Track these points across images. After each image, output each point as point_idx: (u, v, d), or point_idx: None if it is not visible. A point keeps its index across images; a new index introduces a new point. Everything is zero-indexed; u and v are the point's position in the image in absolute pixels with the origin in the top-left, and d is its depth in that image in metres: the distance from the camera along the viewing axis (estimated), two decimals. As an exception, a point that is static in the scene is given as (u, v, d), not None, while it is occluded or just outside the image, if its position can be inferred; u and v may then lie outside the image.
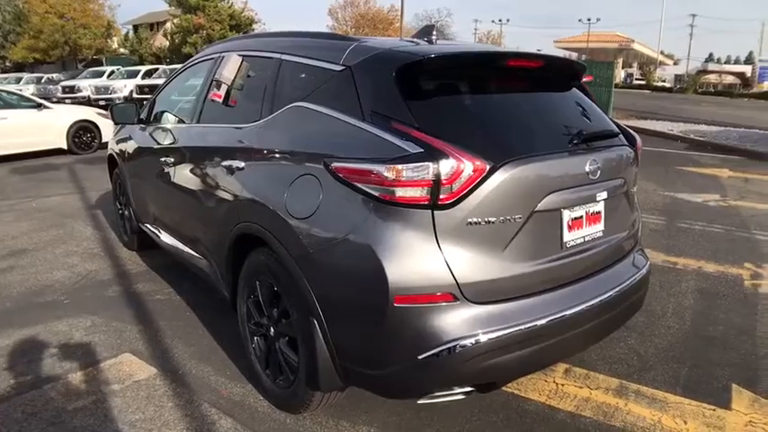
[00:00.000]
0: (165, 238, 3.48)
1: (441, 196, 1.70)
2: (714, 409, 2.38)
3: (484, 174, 1.73)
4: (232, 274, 2.51)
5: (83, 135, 9.53)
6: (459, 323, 1.74)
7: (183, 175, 2.95)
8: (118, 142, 4.23)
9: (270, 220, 2.07)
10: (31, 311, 3.33)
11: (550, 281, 1.94)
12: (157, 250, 4.15)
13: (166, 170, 3.17)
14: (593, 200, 2.05)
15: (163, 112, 3.57)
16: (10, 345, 2.91)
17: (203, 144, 2.79)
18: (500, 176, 1.75)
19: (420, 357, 1.73)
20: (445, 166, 1.69)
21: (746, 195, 6.51)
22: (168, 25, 30.69)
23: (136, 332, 3.06)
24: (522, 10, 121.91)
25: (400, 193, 1.71)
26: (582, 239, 2.04)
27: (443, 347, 1.72)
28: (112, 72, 21.52)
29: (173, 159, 3.09)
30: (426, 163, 1.69)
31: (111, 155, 4.47)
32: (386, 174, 1.71)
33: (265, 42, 2.69)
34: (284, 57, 2.38)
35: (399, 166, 1.70)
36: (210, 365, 2.69)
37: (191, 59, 3.51)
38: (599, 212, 2.09)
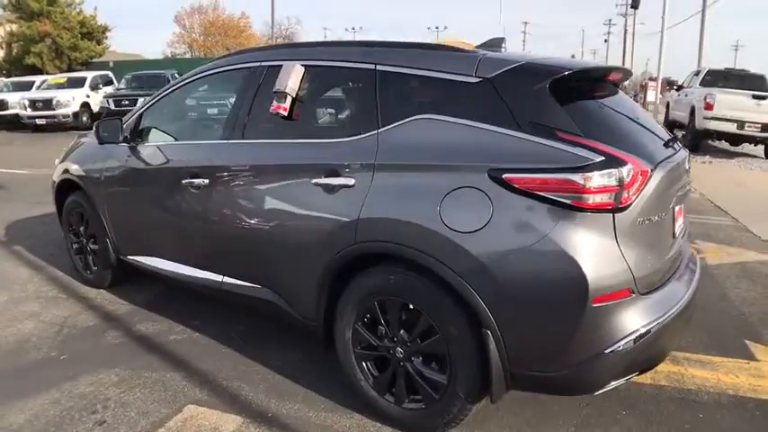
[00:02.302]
0: (175, 268, 3.08)
1: (621, 199, 1.83)
2: (748, 362, 2.86)
3: (648, 177, 1.90)
4: (327, 300, 2.36)
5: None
6: (636, 315, 1.89)
7: (232, 198, 2.64)
8: (82, 164, 3.61)
9: (418, 236, 1.98)
10: (29, 375, 2.72)
11: (670, 270, 2.18)
12: (132, 284, 3.73)
13: (194, 192, 2.81)
14: (683, 196, 2.35)
15: (165, 128, 3.16)
16: (32, 420, 2.36)
17: (267, 162, 2.53)
18: (655, 179, 1.94)
19: (606, 351, 1.85)
20: (625, 172, 1.82)
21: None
22: (0, 31, 26.24)
23: (181, 380, 2.67)
24: (373, 18, 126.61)
25: (591, 199, 1.80)
26: (680, 231, 2.33)
27: (627, 338, 1.85)
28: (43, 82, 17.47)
29: (206, 181, 2.75)
30: (612, 170, 1.80)
31: (65, 180, 3.79)
32: (580, 182, 1.79)
33: (341, 52, 2.54)
34: (381, 67, 2.28)
35: (590, 174, 1.78)
36: (298, 401, 2.47)
37: (198, 71, 3.12)
38: (681, 207, 2.40)
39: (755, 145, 11.34)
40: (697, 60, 21.29)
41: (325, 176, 2.29)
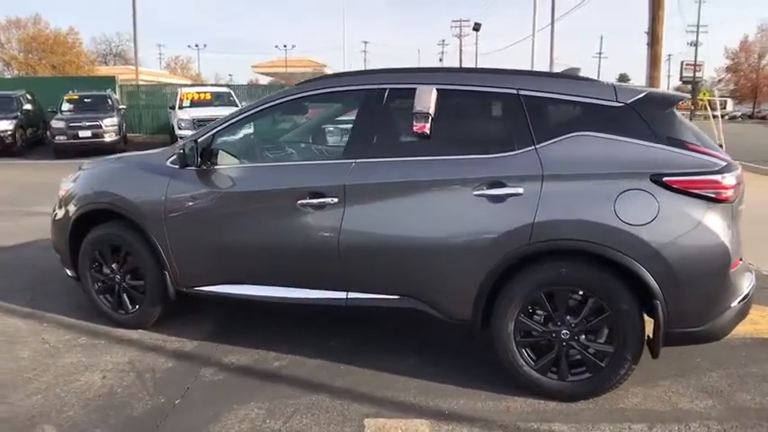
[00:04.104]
0: (271, 292, 3.00)
1: (737, 193, 2.46)
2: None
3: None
4: (486, 299, 2.62)
5: None
6: (745, 278, 2.55)
7: (373, 214, 2.72)
8: (130, 191, 3.22)
9: (602, 232, 2.38)
10: (165, 426, 2.45)
11: None
12: (174, 320, 3.47)
13: (315, 212, 2.80)
14: None
15: (251, 150, 3.05)
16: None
17: (416, 178, 2.66)
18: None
19: (732, 305, 2.47)
20: (738, 173, 2.46)
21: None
22: None
23: (331, 400, 2.65)
24: (215, 35, 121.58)
25: (725, 193, 2.39)
26: None
27: (744, 295, 2.51)
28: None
29: (335, 199, 2.75)
30: (735, 171, 2.44)
31: (91, 212, 3.35)
32: (720, 181, 2.38)
33: (476, 78, 2.82)
34: (524, 92, 2.64)
35: (726, 175, 2.39)
36: (460, 397, 2.65)
37: (286, 94, 3.08)
38: None
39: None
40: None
41: (488, 188, 2.56)
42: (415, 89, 2.76)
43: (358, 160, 2.81)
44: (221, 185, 3.06)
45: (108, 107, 13.97)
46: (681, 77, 33.72)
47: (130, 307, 3.42)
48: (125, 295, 3.42)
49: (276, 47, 75.05)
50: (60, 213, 3.58)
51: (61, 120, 13.24)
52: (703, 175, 2.40)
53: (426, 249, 2.68)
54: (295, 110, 3.72)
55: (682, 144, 2.47)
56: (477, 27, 32.25)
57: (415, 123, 2.70)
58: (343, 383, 2.81)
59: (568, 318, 2.56)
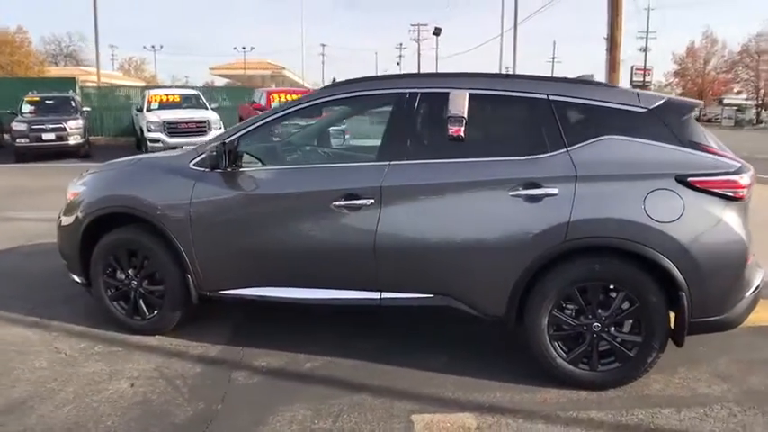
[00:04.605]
0: (299, 294, 3.02)
1: (750, 192, 2.65)
2: None
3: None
4: (521, 296, 2.72)
5: None
6: (756, 271, 2.76)
7: (410, 215, 2.78)
8: (151, 194, 3.15)
9: (634, 229, 2.53)
10: None
11: None
12: (195, 324, 3.43)
13: (350, 214, 2.83)
14: None
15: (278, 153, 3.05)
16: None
17: (454, 179, 2.74)
18: None
19: (746, 295, 2.67)
20: (751, 173, 2.66)
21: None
22: None
23: (374, 398, 2.68)
24: (169, 36, 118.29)
25: (741, 192, 2.59)
26: None
27: (756, 287, 2.72)
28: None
29: (371, 201, 2.79)
30: (750, 172, 2.64)
31: (106, 216, 3.26)
32: (738, 180, 2.57)
33: (507, 83, 2.94)
34: (553, 97, 2.76)
35: (743, 175, 2.59)
36: (495, 390, 2.74)
37: (312, 98, 3.09)
38: None
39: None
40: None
41: (524, 188, 2.67)
42: (446, 93, 2.85)
43: (393, 162, 2.86)
44: (252, 188, 3.04)
45: (71, 109, 13.39)
46: (631, 81, 35.38)
47: (147, 313, 3.34)
48: (141, 301, 3.34)
49: (234, 48, 73.81)
50: (69, 218, 3.46)
51: (23, 122, 12.57)
52: (722, 176, 2.59)
53: (463, 248, 2.76)
54: (319, 113, 3.73)
55: (701, 147, 2.66)
56: (437, 32, 32.88)
57: (450, 127, 2.78)
58: (381, 382, 2.86)
59: (600, 311, 2.70)
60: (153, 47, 59.80)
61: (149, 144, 12.13)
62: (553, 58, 59.45)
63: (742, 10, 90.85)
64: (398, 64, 64.00)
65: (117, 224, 3.31)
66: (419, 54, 55.33)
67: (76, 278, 3.53)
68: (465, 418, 2.54)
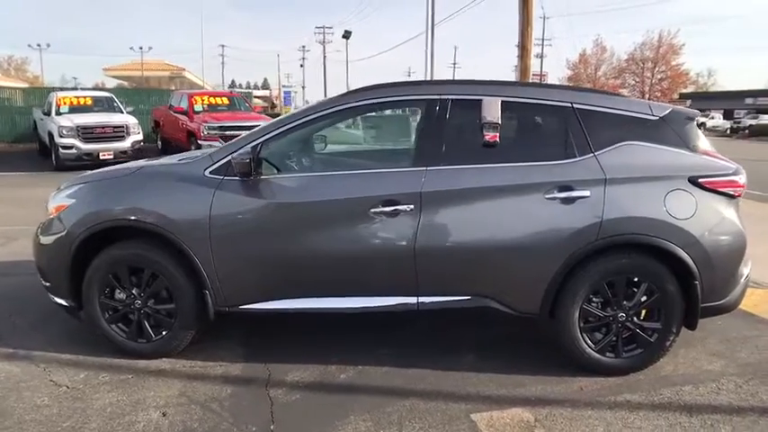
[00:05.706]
0: (331, 303, 2.95)
1: (743, 191, 3.03)
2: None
3: None
4: (556, 291, 2.88)
5: None
6: (747, 261, 3.15)
7: (451, 220, 2.83)
8: (162, 204, 2.88)
9: (658, 226, 2.77)
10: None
11: None
12: (197, 344, 3.18)
13: (389, 220, 2.80)
14: None
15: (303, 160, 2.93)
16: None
17: (492, 183, 2.81)
18: None
19: (742, 280, 3.04)
20: (745, 175, 3.04)
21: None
22: None
23: (427, 402, 2.69)
24: (58, 34, 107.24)
25: (740, 191, 2.94)
26: None
27: (746, 275, 3.10)
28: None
29: (411, 206, 2.79)
30: (744, 173, 2.99)
31: (107, 230, 2.93)
32: (739, 180, 2.91)
33: (536, 92, 3.07)
34: (577, 105, 2.94)
35: (742, 176, 2.94)
36: (530, 384, 2.86)
37: (337, 103, 3.04)
38: None
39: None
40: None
41: (559, 191, 2.83)
42: (479, 100, 2.94)
43: (430, 168, 2.89)
44: (282, 196, 2.91)
45: None
46: (529, 85, 37.92)
47: (153, 335, 3.06)
48: (146, 322, 3.05)
49: (131, 48, 68.64)
50: (54, 235, 3.05)
51: None
52: (726, 177, 2.93)
53: (501, 250, 2.85)
54: (347, 119, 3.64)
55: (703, 150, 3.00)
56: (346, 35, 32.92)
57: (485, 133, 2.87)
58: (425, 386, 2.86)
59: (624, 302, 2.93)
60: (39, 45, 54.13)
61: (61, 150, 10.95)
62: (454, 63, 62.14)
63: (630, 21, 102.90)
64: (302, 66, 62.93)
65: (112, 240, 3.00)
66: (324, 57, 54.87)
67: (61, 301, 3.13)
68: (521, 412, 2.63)
